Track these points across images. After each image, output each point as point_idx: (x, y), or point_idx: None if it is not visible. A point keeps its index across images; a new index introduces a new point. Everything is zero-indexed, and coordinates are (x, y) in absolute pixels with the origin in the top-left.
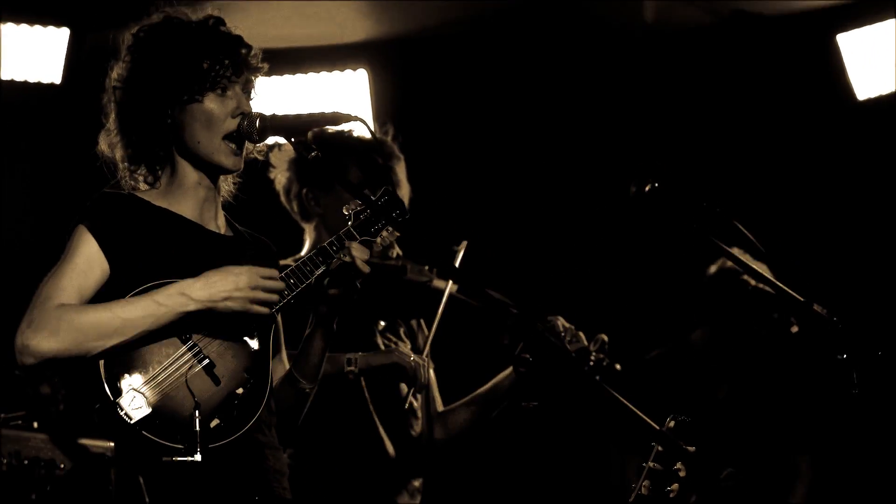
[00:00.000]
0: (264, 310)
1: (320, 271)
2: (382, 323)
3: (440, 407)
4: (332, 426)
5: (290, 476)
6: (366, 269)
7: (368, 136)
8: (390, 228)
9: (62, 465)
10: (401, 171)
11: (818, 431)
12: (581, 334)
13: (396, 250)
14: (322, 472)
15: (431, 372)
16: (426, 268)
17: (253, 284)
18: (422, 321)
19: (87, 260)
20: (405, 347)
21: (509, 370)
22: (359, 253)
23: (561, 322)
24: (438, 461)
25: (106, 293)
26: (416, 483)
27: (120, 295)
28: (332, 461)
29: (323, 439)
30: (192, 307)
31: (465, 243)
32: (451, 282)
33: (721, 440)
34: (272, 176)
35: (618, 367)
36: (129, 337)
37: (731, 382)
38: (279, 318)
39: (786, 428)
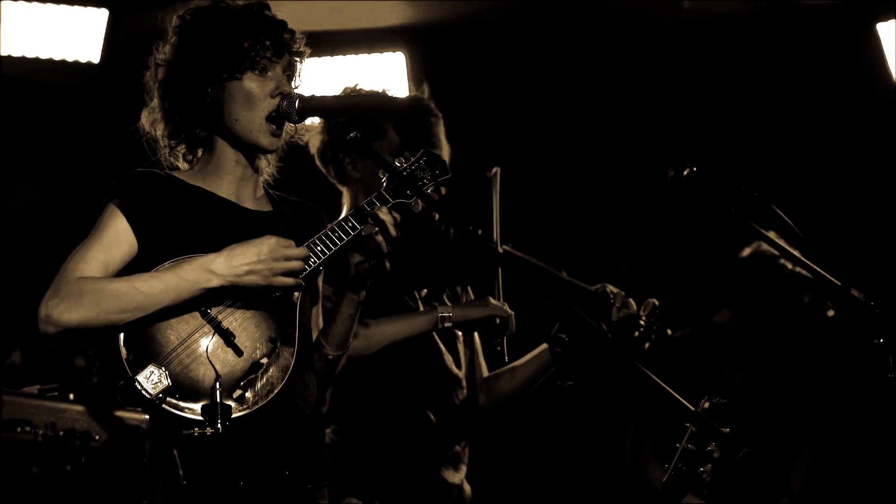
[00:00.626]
0: (289, 280)
1: (350, 237)
2: (425, 290)
3: (485, 373)
4: (374, 396)
5: (333, 447)
6: (395, 232)
7: (405, 96)
8: (430, 189)
9: (97, 437)
10: (439, 129)
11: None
12: (631, 301)
13: (435, 216)
14: (365, 440)
15: (477, 337)
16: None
17: (275, 255)
18: (468, 287)
19: (115, 235)
20: (493, 300)
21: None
22: (388, 218)
23: (609, 289)
24: (482, 428)
25: (134, 270)
26: (458, 448)
27: (146, 269)
28: (375, 430)
29: (366, 409)
30: (214, 282)
31: (496, 169)
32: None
33: (735, 422)
34: (305, 140)
35: (668, 332)
36: (151, 311)
37: (750, 368)
38: (318, 284)
39: (795, 412)
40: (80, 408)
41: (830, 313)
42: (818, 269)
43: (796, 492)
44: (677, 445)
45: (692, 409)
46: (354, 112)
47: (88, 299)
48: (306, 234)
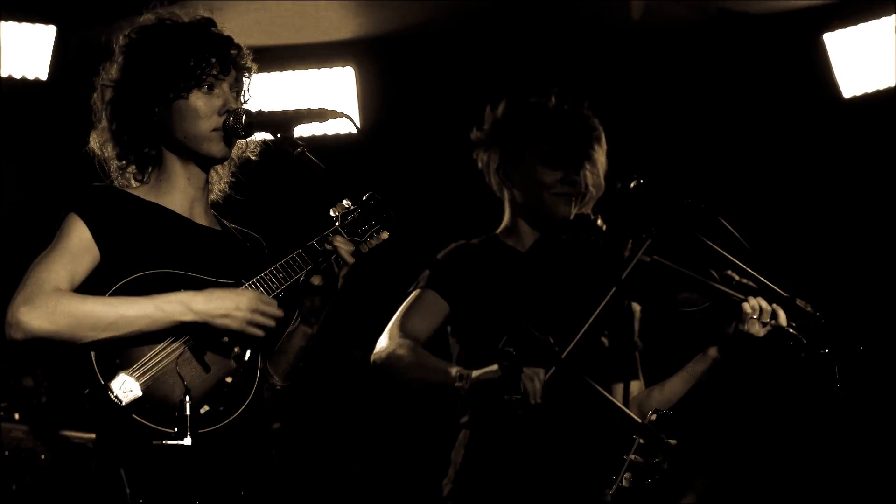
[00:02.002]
0: (259, 332)
1: (308, 268)
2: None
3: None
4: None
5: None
6: (350, 259)
7: (562, 107)
8: (379, 231)
9: (43, 456)
10: (599, 146)
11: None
12: (780, 311)
13: (599, 220)
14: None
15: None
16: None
17: (253, 307)
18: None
19: (80, 245)
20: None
21: (702, 355)
22: (343, 245)
23: (755, 302)
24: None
25: (96, 280)
26: None
27: (110, 282)
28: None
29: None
30: (189, 317)
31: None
32: None
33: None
34: (474, 156)
35: (826, 350)
36: (122, 333)
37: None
38: None
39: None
40: (25, 427)
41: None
42: (764, 279)
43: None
44: (625, 458)
45: (639, 420)
46: (300, 124)
47: (62, 312)
48: (253, 260)
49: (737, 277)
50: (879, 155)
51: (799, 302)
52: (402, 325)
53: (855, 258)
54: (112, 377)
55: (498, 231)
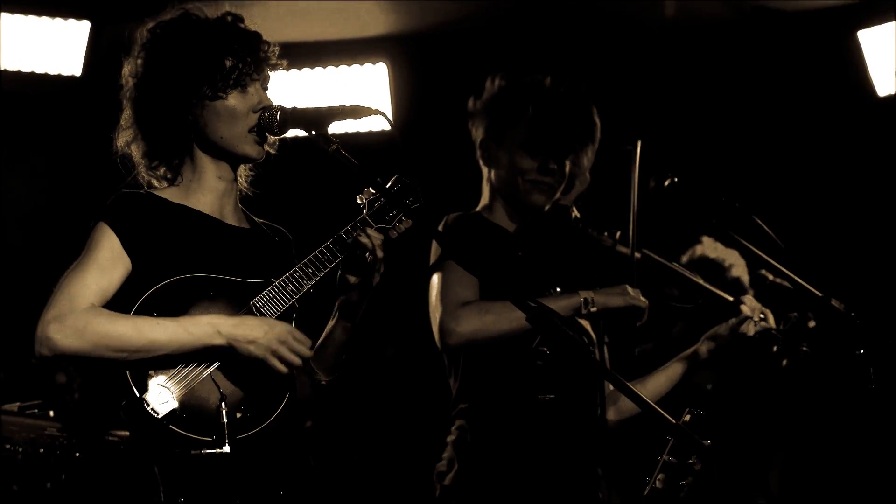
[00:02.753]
0: (282, 367)
1: (337, 260)
2: (559, 289)
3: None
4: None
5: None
6: (381, 252)
7: (557, 90)
8: (404, 217)
9: (77, 454)
10: (590, 139)
11: (796, 426)
12: (769, 313)
13: (575, 213)
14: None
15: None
16: (607, 234)
17: (282, 338)
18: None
19: (111, 256)
20: (630, 289)
21: (691, 351)
22: (375, 237)
23: (749, 300)
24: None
25: (127, 288)
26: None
27: (141, 288)
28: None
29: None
30: (217, 341)
31: (639, 142)
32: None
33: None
34: (469, 126)
35: (805, 348)
36: (150, 356)
37: (720, 375)
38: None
39: (766, 418)
40: (59, 425)
41: (811, 324)
42: (799, 279)
43: (773, 494)
44: (658, 458)
45: (673, 421)
46: (335, 121)
47: (92, 333)
48: (282, 256)
49: (770, 277)
50: None
51: (833, 302)
52: (456, 299)
53: (890, 258)
54: (147, 388)
55: (479, 208)
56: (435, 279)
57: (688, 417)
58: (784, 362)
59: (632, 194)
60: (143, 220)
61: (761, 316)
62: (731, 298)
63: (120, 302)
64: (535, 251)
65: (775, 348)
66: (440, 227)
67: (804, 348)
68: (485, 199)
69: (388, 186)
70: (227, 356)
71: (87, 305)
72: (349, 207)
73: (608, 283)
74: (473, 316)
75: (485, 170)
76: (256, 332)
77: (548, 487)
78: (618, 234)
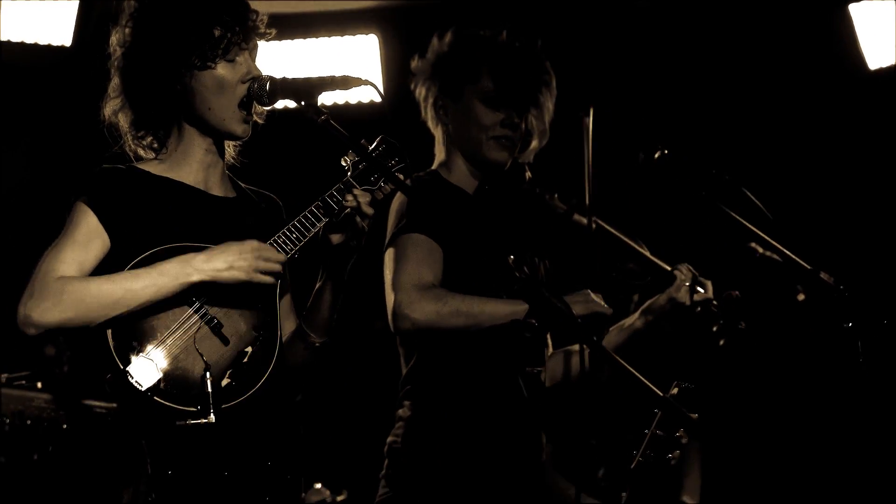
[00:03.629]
0: (268, 279)
1: (322, 224)
2: (511, 257)
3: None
4: (459, 366)
5: (409, 422)
6: (370, 210)
7: (512, 44)
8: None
9: (65, 426)
10: (548, 91)
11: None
12: (708, 283)
13: (528, 173)
14: (447, 413)
15: None
16: (562, 200)
17: (257, 254)
18: (545, 260)
19: (87, 233)
20: (593, 294)
21: (628, 323)
22: (362, 197)
23: (685, 268)
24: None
25: (108, 265)
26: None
27: (125, 262)
28: (460, 402)
29: (450, 380)
30: (195, 277)
31: (592, 109)
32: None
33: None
34: (412, 86)
35: (742, 325)
36: (132, 307)
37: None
38: (288, 274)
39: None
40: (47, 396)
41: (801, 297)
42: (788, 252)
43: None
44: (646, 431)
45: (661, 394)
46: (324, 91)
47: (68, 298)
48: (271, 222)
49: (760, 250)
50: None
51: (822, 275)
52: (416, 280)
53: (878, 232)
54: (130, 361)
55: (436, 167)
56: (393, 252)
57: (675, 390)
58: (721, 341)
59: (586, 163)
60: (123, 195)
61: (699, 288)
62: (668, 268)
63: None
64: (492, 214)
65: (715, 328)
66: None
67: (741, 325)
68: (441, 156)
69: (371, 147)
70: (214, 316)
71: (60, 276)
72: (336, 172)
73: (563, 251)
74: (431, 305)
75: (439, 128)
76: (229, 256)
77: (500, 460)
78: (573, 200)
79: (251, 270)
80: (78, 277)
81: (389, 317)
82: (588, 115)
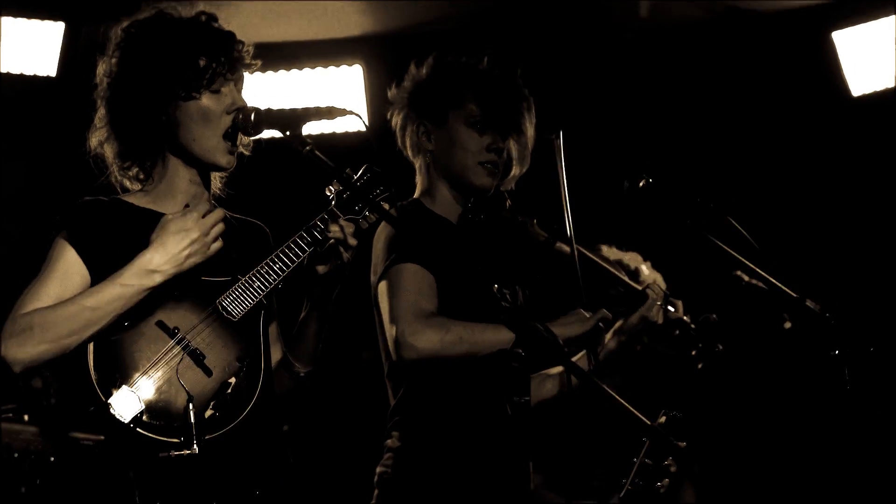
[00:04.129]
0: (220, 243)
1: (306, 254)
2: (497, 286)
3: None
4: (449, 399)
5: (398, 453)
6: (354, 241)
7: (494, 70)
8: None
9: (52, 458)
10: (529, 117)
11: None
12: (679, 303)
13: (508, 201)
14: (436, 444)
15: None
16: (541, 227)
17: (202, 229)
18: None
19: (65, 269)
20: (585, 312)
21: (605, 340)
22: (347, 227)
23: (656, 287)
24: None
25: None
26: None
27: None
28: (448, 432)
29: (438, 412)
30: (158, 279)
31: (561, 132)
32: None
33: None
34: (388, 116)
35: (720, 347)
36: (103, 324)
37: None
38: (274, 302)
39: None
40: (34, 429)
41: (787, 325)
42: (774, 280)
43: None
44: (634, 460)
45: (649, 423)
46: (309, 121)
47: (38, 330)
48: (256, 251)
49: (746, 278)
50: (888, 153)
51: (808, 302)
52: (416, 309)
53: (864, 257)
54: (112, 393)
55: (418, 195)
56: (387, 284)
57: (663, 419)
58: (699, 365)
59: (561, 188)
60: (103, 229)
61: (670, 306)
62: (640, 287)
63: None
64: (476, 243)
65: (693, 351)
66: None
67: (719, 348)
68: (423, 185)
69: (357, 177)
70: (196, 347)
71: (29, 309)
72: (321, 201)
73: (546, 279)
74: (434, 333)
75: (420, 157)
76: (182, 243)
77: (489, 490)
78: (554, 227)
79: (205, 249)
80: (44, 307)
81: (392, 347)
82: (558, 137)
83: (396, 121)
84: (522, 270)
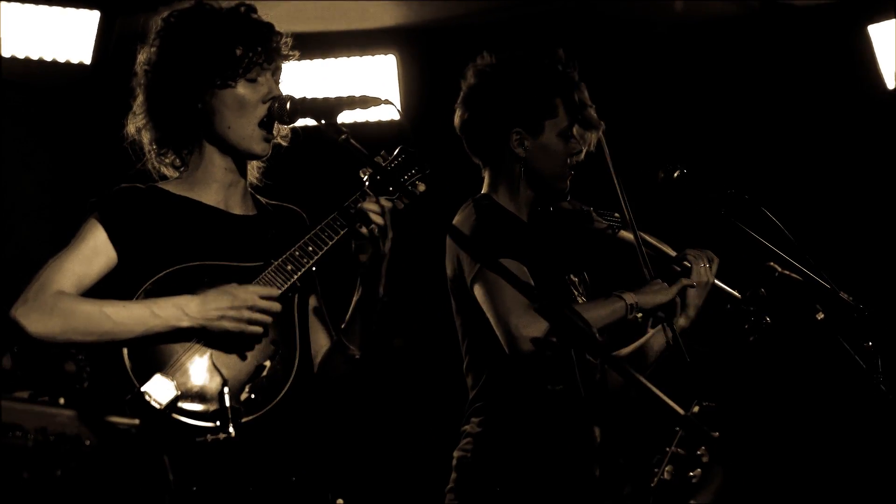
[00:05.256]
0: (257, 329)
1: (340, 235)
2: (573, 277)
3: None
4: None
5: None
6: (380, 220)
7: (572, 74)
8: (410, 186)
9: (87, 442)
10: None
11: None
12: (714, 258)
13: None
14: (517, 433)
15: None
16: (606, 218)
17: (249, 304)
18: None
19: (93, 248)
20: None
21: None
22: (383, 204)
23: (691, 253)
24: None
25: (118, 281)
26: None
27: (134, 282)
28: (530, 422)
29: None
30: (185, 323)
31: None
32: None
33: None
34: (460, 115)
35: (768, 320)
36: (119, 339)
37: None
38: (317, 284)
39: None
40: (70, 412)
41: (820, 316)
42: (808, 271)
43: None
44: (667, 449)
45: (682, 412)
46: (344, 111)
47: (58, 315)
48: (291, 236)
49: (779, 269)
50: None
51: (842, 294)
52: (526, 302)
53: None
54: (147, 380)
55: (488, 191)
56: (488, 282)
57: (696, 409)
58: (751, 338)
59: (614, 179)
60: (137, 214)
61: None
62: (678, 261)
63: (117, 294)
64: (548, 238)
65: (746, 325)
66: (463, 218)
67: (767, 321)
68: (500, 184)
69: (391, 158)
70: (220, 338)
71: (57, 290)
72: (356, 187)
73: (614, 269)
74: (544, 323)
75: (501, 160)
76: (222, 304)
77: (570, 475)
78: (615, 215)
79: (241, 322)
80: (73, 297)
81: (505, 341)
82: (603, 132)
83: (465, 119)
84: (588, 258)
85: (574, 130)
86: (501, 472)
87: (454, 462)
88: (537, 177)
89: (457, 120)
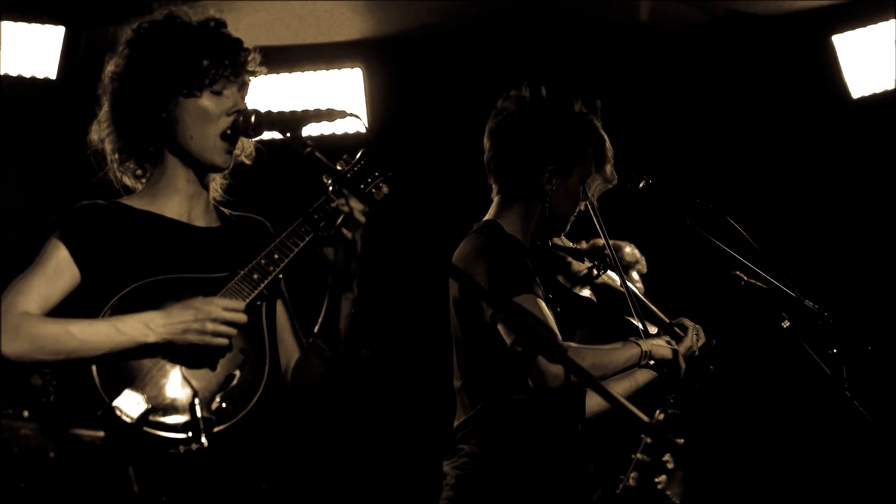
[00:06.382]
0: (223, 341)
1: (306, 240)
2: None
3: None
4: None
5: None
6: (363, 219)
7: (594, 121)
8: (373, 189)
9: (52, 454)
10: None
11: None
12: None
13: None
14: (511, 455)
15: None
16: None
17: (213, 317)
18: None
19: (56, 267)
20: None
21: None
22: (356, 204)
23: (689, 324)
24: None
25: (82, 299)
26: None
27: (99, 299)
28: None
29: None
30: (151, 338)
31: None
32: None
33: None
34: (490, 139)
35: (711, 368)
36: (86, 356)
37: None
38: (284, 290)
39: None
40: (34, 425)
41: (786, 324)
42: (773, 280)
43: None
44: (632, 457)
45: (647, 420)
46: (309, 124)
47: (24, 337)
48: (254, 246)
49: (745, 278)
50: (888, 155)
51: (807, 302)
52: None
53: (862, 258)
54: (117, 394)
55: (495, 217)
56: (513, 320)
57: (661, 416)
58: (695, 385)
59: (599, 229)
60: (99, 231)
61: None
62: (667, 320)
63: (82, 312)
64: (544, 264)
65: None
66: (478, 246)
67: (711, 368)
68: (511, 212)
69: (354, 161)
70: (188, 351)
71: (21, 311)
72: (320, 193)
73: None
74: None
75: (523, 191)
76: (186, 317)
77: (554, 489)
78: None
79: (205, 334)
80: (38, 317)
81: (533, 378)
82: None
83: (501, 145)
84: (566, 297)
85: (589, 180)
86: (504, 491)
87: (451, 480)
88: (552, 215)
89: (489, 142)
